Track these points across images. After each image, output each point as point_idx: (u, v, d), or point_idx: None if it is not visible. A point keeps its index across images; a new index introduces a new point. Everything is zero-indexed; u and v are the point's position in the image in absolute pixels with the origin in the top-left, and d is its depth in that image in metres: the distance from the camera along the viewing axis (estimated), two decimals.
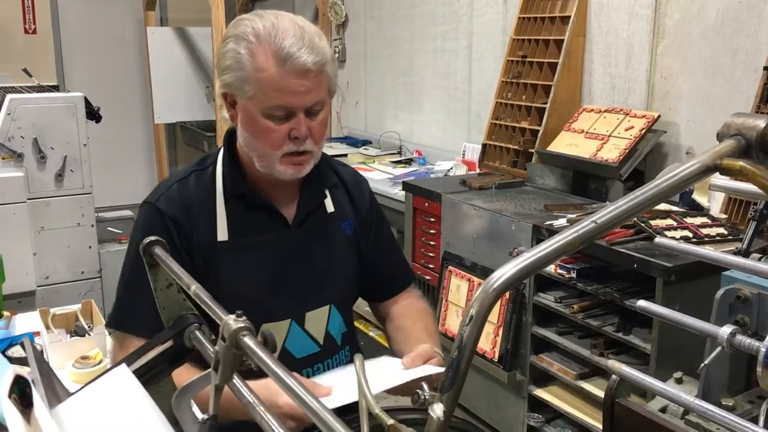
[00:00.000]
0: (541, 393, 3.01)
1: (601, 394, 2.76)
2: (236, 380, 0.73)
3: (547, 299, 2.91)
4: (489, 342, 3.16)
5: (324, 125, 1.41)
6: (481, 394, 3.28)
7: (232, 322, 0.66)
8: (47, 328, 2.45)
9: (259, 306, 1.44)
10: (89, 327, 2.52)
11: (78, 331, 2.50)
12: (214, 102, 6.32)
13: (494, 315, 3.12)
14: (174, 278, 0.89)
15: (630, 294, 2.64)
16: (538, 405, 3.05)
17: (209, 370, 0.75)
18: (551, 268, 2.88)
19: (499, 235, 3.10)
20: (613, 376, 1.32)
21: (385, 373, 1.35)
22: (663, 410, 1.43)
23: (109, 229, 3.83)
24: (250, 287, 1.43)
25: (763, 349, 1.11)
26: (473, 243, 3.26)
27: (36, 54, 6.46)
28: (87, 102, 3.41)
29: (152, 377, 0.91)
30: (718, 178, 1.51)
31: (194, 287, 0.78)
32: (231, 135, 1.50)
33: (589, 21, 3.69)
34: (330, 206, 1.55)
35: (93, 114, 3.41)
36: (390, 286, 1.68)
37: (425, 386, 0.76)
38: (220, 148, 1.53)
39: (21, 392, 0.61)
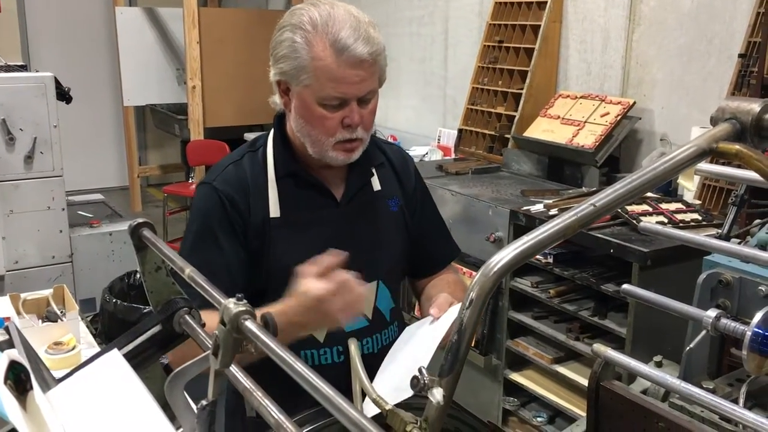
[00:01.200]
0: (517, 377, 3.03)
1: (575, 377, 2.79)
2: (232, 368, 0.71)
3: (524, 284, 2.93)
4: None
5: (374, 113, 1.46)
6: None
7: (232, 305, 0.64)
8: (18, 313, 2.40)
9: None
10: (61, 312, 2.47)
11: (50, 317, 2.45)
12: (185, 85, 6.23)
13: None
14: (164, 261, 0.87)
15: (606, 279, 2.66)
16: (513, 389, 3.08)
17: (204, 354, 0.74)
18: None
19: (476, 220, 3.10)
20: (598, 360, 1.32)
21: (426, 336, 1.35)
22: (644, 393, 1.45)
23: (79, 213, 3.75)
24: (302, 262, 1.44)
25: (749, 333, 1.12)
26: (450, 228, 3.24)
27: (0, 33, 6.29)
28: (57, 82, 3.33)
29: (140, 363, 0.89)
30: (702, 163, 1.52)
31: (188, 270, 0.76)
32: (280, 118, 1.54)
33: (566, 7, 3.69)
34: (376, 184, 1.58)
35: (63, 95, 3.33)
36: (432, 263, 1.71)
37: (424, 371, 0.75)
38: (269, 131, 1.57)
39: (16, 378, 0.58)
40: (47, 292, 2.52)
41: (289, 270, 1.45)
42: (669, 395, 1.41)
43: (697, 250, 2.55)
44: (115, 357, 0.73)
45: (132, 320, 2.67)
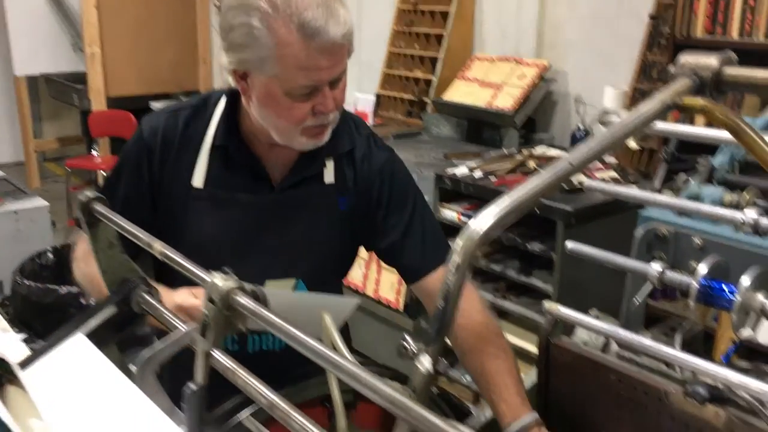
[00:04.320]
0: (446, 338, 3.07)
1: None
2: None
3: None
4: (393, 292, 3.18)
5: (344, 90, 1.30)
6: (384, 342, 3.30)
7: (220, 282, 0.60)
8: None
9: (217, 264, 1.31)
10: None
11: None
12: (81, 52, 5.90)
13: None
14: (118, 237, 0.81)
15: (530, 238, 2.72)
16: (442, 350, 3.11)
17: (181, 334, 0.69)
18: (454, 216, 2.92)
19: None
20: (548, 317, 1.34)
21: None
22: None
23: None
24: (213, 242, 1.32)
25: (696, 285, 1.16)
26: None
27: None
28: None
29: (96, 345, 0.83)
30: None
31: (157, 245, 0.70)
32: (234, 94, 1.35)
33: None
34: (329, 177, 1.40)
35: None
36: (415, 269, 1.45)
37: (409, 338, 0.73)
38: (223, 93, 1.39)
39: None
40: None
41: (197, 247, 1.27)
42: (608, 346, 1.45)
43: (618, 207, 2.62)
44: (81, 341, 0.68)
45: (47, 302, 2.53)
